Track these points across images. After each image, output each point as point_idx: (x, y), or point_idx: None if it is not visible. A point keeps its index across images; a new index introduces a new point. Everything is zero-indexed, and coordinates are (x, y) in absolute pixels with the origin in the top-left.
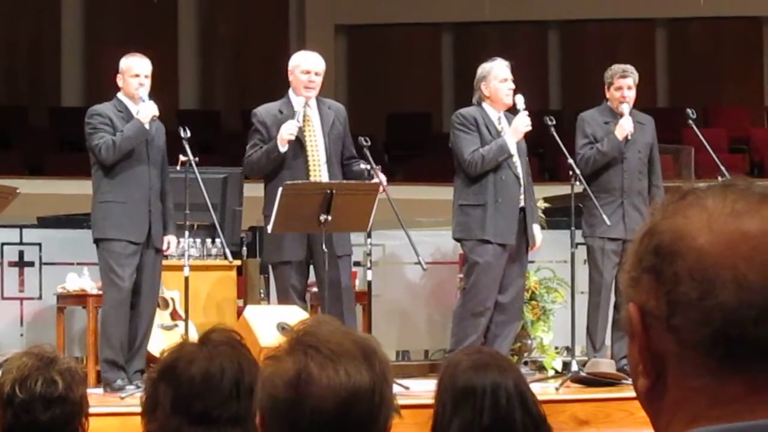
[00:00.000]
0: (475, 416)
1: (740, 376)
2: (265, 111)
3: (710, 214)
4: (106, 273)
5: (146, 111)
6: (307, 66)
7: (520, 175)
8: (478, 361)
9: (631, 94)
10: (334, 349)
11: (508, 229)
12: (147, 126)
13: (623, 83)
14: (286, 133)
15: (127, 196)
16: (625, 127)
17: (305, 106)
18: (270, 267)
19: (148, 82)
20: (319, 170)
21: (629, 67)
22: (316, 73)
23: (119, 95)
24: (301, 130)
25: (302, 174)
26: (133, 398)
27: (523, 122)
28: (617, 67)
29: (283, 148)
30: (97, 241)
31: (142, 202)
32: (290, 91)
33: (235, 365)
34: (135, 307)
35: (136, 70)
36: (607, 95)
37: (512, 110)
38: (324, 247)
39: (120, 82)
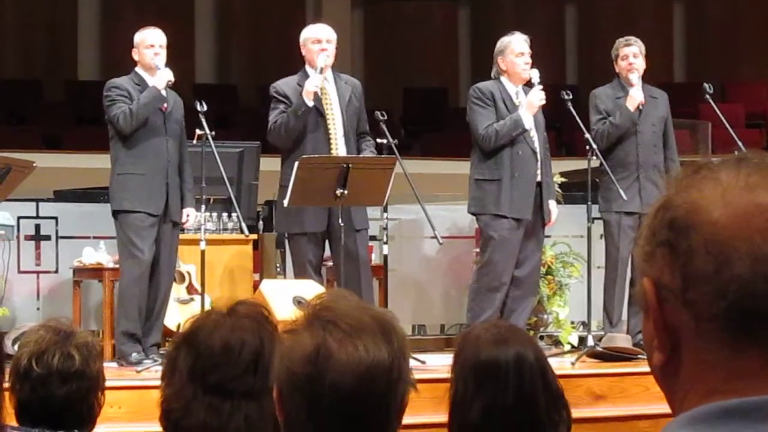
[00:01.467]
0: (498, 394)
1: (756, 350)
2: (284, 84)
3: (724, 187)
4: (124, 245)
5: (162, 76)
6: (316, 35)
7: (537, 150)
8: (498, 335)
9: (638, 62)
10: (353, 324)
11: (524, 204)
12: (163, 92)
13: (628, 51)
14: (312, 85)
15: (145, 168)
16: (635, 97)
17: (323, 67)
18: (286, 239)
19: (163, 52)
20: (337, 144)
21: (632, 37)
22: (327, 41)
23: (136, 69)
24: (320, 102)
25: (323, 146)
26: (149, 372)
27: (538, 97)
28: (621, 39)
29: (309, 102)
30: (115, 214)
31: (160, 175)
32: (306, 67)
33: (257, 340)
34: (152, 279)
35: (150, 41)
36: (617, 69)
37: (529, 84)
38: (340, 220)
39: (136, 55)
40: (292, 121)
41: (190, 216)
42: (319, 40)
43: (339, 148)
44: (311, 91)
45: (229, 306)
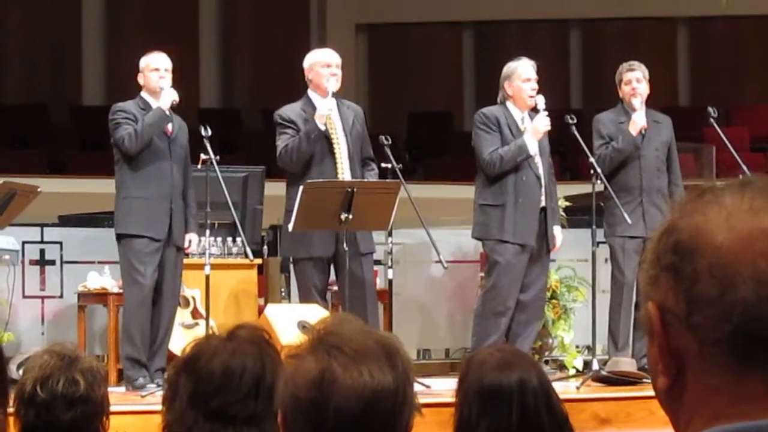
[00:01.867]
0: (502, 417)
1: (760, 374)
2: (288, 110)
3: (729, 211)
4: (126, 270)
5: (166, 96)
6: (326, 59)
7: (542, 176)
8: (502, 359)
9: (641, 87)
10: (357, 349)
11: (528, 230)
12: (168, 113)
13: (631, 76)
14: (325, 109)
15: (149, 192)
16: (638, 122)
17: (333, 93)
18: (291, 263)
19: (168, 76)
20: (343, 169)
21: (635, 62)
22: (337, 65)
23: (142, 93)
24: (327, 128)
25: (330, 171)
26: (153, 396)
27: (543, 123)
28: (624, 64)
29: (321, 126)
30: (118, 238)
31: (164, 199)
32: (309, 91)
33: (258, 364)
34: (156, 304)
35: (155, 65)
36: (620, 94)
37: (535, 110)
38: (345, 245)
39: (141, 80)
40: (305, 146)
41: (193, 241)
42: (329, 64)
43: (345, 173)
44: (324, 114)
45: (229, 330)
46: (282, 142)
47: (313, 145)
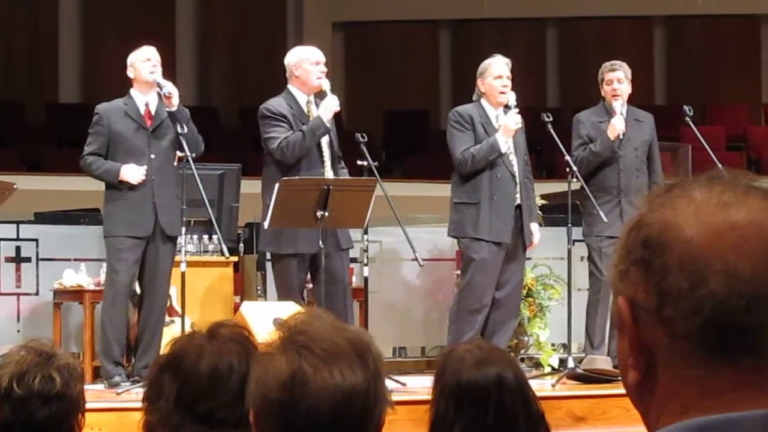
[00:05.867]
0: (478, 414)
1: (731, 367)
2: (276, 104)
3: (698, 205)
4: (107, 270)
5: (130, 173)
6: (315, 57)
7: (516, 173)
8: (479, 356)
9: (622, 88)
10: (328, 348)
11: (503, 227)
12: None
13: (613, 77)
14: (335, 105)
15: (128, 193)
16: (616, 127)
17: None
18: (270, 260)
19: (159, 68)
20: (327, 168)
21: (618, 62)
22: (325, 64)
23: (131, 91)
24: None
25: (317, 170)
26: (129, 394)
27: (513, 120)
28: (607, 63)
29: (328, 123)
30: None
31: (146, 196)
32: (290, 86)
33: (243, 364)
34: (145, 299)
35: (146, 56)
36: (602, 92)
37: (507, 107)
38: (321, 243)
39: (131, 73)
40: (309, 141)
41: None
42: (318, 62)
43: (327, 171)
44: (334, 110)
45: (209, 328)
46: (276, 134)
47: (315, 141)
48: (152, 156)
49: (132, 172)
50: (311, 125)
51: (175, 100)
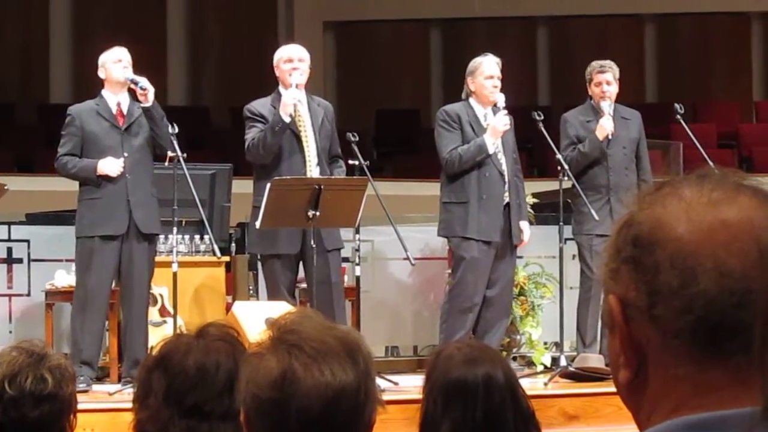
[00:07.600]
0: (467, 413)
1: (722, 364)
2: (258, 104)
3: (688, 203)
4: (76, 272)
5: (108, 166)
6: (288, 54)
7: (505, 172)
8: (469, 354)
9: (611, 89)
10: (318, 347)
11: (492, 226)
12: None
13: (602, 78)
14: (289, 98)
15: (101, 192)
16: (605, 127)
17: (298, 84)
18: (259, 261)
19: (130, 69)
20: (312, 166)
21: (607, 62)
22: (299, 59)
23: (103, 91)
24: (295, 124)
25: (299, 168)
26: (121, 395)
27: (502, 122)
28: (595, 63)
29: (286, 117)
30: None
31: (119, 194)
32: (279, 87)
33: (231, 361)
34: (123, 299)
35: (117, 56)
36: (590, 92)
37: (497, 107)
38: (312, 242)
39: (102, 74)
40: (269, 138)
41: None
42: (290, 59)
43: (313, 169)
44: (289, 104)
45: (198, 329)
46: (250, 135)
47: (279, 137)
48: (126, 154)
49: (110, 165)
50: (270, 122)
51: (151, 96)
